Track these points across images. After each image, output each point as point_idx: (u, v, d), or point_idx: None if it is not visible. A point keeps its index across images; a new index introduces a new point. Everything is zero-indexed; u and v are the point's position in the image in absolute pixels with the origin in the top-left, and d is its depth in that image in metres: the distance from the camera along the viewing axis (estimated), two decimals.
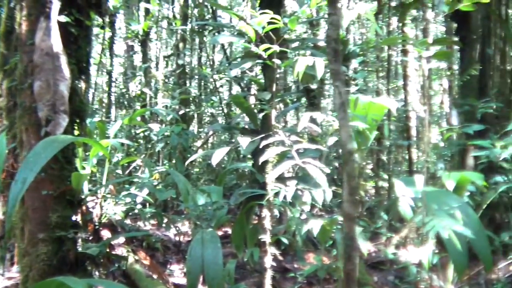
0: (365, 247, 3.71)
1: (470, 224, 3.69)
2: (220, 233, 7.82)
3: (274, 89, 4.94)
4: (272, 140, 3.61)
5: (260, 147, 3.94)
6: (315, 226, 3.47)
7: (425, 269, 4.74)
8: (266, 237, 4.11)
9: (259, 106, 5.27)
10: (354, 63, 9.08)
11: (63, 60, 3.55)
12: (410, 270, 4.94)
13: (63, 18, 3.62)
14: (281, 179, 4.25)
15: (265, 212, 4.13)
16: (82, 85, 3.88)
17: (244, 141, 3.98)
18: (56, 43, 3.53)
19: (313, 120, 4.60)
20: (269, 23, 4.05)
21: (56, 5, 3.60)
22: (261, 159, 3.57)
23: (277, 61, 4.20)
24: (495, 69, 8.65)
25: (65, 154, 3.66)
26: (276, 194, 3.71)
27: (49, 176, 3.57)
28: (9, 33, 5.65)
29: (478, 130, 5.90)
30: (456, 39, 8.63)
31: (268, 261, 4.13)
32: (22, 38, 3.63)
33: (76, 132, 3.77)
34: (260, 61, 4.34)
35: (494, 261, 6.04)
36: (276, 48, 3.92)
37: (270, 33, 4.08)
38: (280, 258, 6.53)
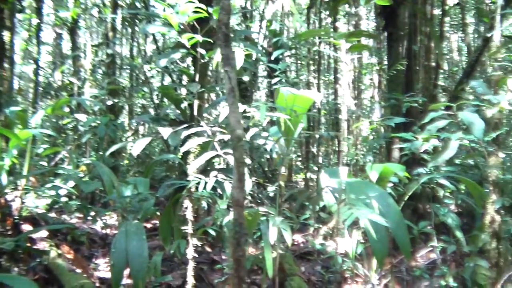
0: (289, 237, 3.72)
1: (390, 213, 3.78)
2: (149, 225, 7.71)
3: (201, 80, 4.90)
4: (193, 131, 3.57)
5: (182, 137, 3.90)
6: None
7: (350, 258, 4.84)
8: (188, 228, 4.07)
9: (188, 97, 5.22)
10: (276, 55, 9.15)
11: None
12: (336, 260, 5.02)
13: None
14: (209, 170, 4.22)
15: (187, 203, 4.09)
16: None
17: (165, 132, 3.93)
18: None
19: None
20: (195, 12, 4.00)
21: None
22: (182, 149, 3.52)
23: (201, 51, 4.15)
24: (421, 65, 8.94)
25: None
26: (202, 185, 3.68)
27: None
28: None
29: (404, 124, 6.06)
30: (385, 34, 8.85)
31: (191, 253, 4.09)
32: None
33: None
34: (184, 50, 4.28)
35: (416, 249, 6.25)
36: (199, 38, 3.88)
37: (195, 23, 4.03)
38: (209, 249, 6.50)
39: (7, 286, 3.66)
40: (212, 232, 5.28)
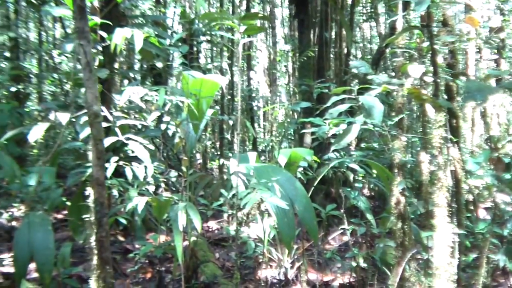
0: (198, 223, 3.69)
1: (298, 197, 3.82)
2: (60, 216, 7.47)
3: (107, 65, 4.75)
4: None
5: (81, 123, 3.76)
6: (139, 203, 3.40)
7: (263, 243, 4.87)
8: (92, 217, 3.93)
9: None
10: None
11: None
12: (249, 245, 5.05)
13: None
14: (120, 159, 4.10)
15: (89, 191, 3.95)
16: None
17: (63, 117, 3.77)
18: None
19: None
20: None
21: None
22: (81, 136, 3.39)
23: (102, 33, 4.01)
24: (332, 53, 9.13)
25: None
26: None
27: None
28: None
29: (316, 109, 6.16)
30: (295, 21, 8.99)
31: (94, 242, 3.96)
32: None
33: None
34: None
35: (329, 232, 6.39)
36: (97, 19, 3.74)
37: (96, 5, 3.88)
38: (121, 238, 6.38)
39: None
40: (123, 221, 5.17)
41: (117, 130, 3.22)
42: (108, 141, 3.23)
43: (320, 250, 5.69)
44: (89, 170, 4.45)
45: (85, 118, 3.55)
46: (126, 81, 9.64)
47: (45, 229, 4.21)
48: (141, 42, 3.29)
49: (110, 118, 3.35)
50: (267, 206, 2.96)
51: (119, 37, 3.24)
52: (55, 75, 11.44)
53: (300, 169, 5.06)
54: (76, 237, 5.45)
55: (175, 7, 13.53)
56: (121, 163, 3.37)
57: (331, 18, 9.02)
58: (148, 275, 5.38)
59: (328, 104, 3.45)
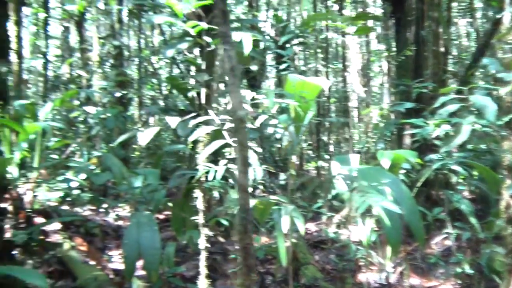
0: (301, 226, 3.69)
1: (403, 200, 3.74)
2: (161, 216, 7.72)
3: (209, 70, 4.86)
4: (201, 120, 3.53)
5: (191, 127, 3.87)
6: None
7: (364, 246, 4.80)
8: (200, 219, 4.05)
9: (196, 87, 5.19)
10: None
11: None
12: (350, 248, 4.99)
13: None
14: (217, 160, 4.19)
15: (197, 193, 4.06)
16: (4, 65, 3.68)
17: (173, 121, 3.90)
18: None
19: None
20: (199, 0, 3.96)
21: None
22: (190, 139, 3.49)
23: (207, 39, 4.10)
24: (429, 51, 8.84)
25: None
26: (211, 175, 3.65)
27: None
28: None
29: (414, 110, 5.99)
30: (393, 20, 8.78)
31: (203, 243, 4.07)
32: None
33: None
34: (191, 39, 4.23)
35: (430, 236, 6.20)
36: (204, 25, 3.83)
37: (200, 11, 3.99)
38: (222, 240, 6.49)
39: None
40: (225, 222, 5.26)
41: (224, 133, 3.29)
42: (216, 144, 3.31)
43: (423, 254, 5.54)
44: (192, 173, 4.60)
45: (193, 122, 3.65)
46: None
47: (152, 229, 4.35)
48: (250, 45, 3.35)
49: (218, 121, 3.42)
50: (375, 209, 2.92)
51: (248, 42, 3.31)
52: (154, 80, 11.87)
53: (402, 171, 4.95)
54: (179, 237, 5.60)
55: (267, 10, 13.67)
56: (230, 166, 3.43)
57: (428, 16, 8.75)
58: None
59: (437, 105, 3.34)
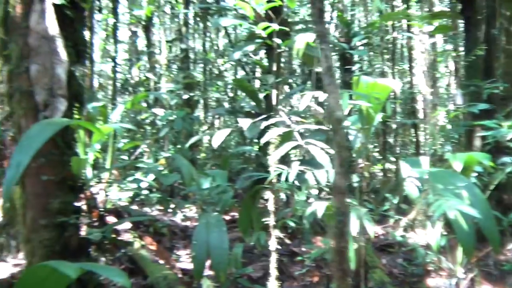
0: (371, 229, 3.64)
1: (477, 204, 3.61)
2: (227, 217, 7.79)
3: (277, 71, 4.87)
4: (273, 121, 3.53)
5: (262, 129, 3.88)
6: (319, 208, 3.40)
7: (433, 251, 4.68)
8: (270, 220, 4.05)
9: (263, 89, 5.21)
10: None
11: (60, 43, 3.49)
12: (418, 252, 4.88)
13: (58, 0, 3.54)
14: (286, 162, 4.19)
15: (269, 195, 4.07)
16: (80, 69, 3.80)
17: (245, 123, 3.92)
18: (52, 25, 3.46)
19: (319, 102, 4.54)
20: (268, 1, 3.96)
21: None
22: (262, 141, 3.50)
23: (277, 40, 4.10)
24: (501, 50, 8.53)
25: (65, 139, 3.60)
26: (280, 176, 3.65)
27: (49, 161, 3.52)
28: (7, 18, 5.58)
29: (485, 111, 5.80)
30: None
31: (273, 244, 4.07)
32: (17, 21, 3.56)
33: (75, 117, 3.72)
34: (260, 40, 4.24)
35: (502, 242, 5.97)
36: (275, 26, 3.83)
37: (270, 12, 3.99)
38: (288, 241, 6.49)
39: (96, 275, 3.78)
40: (292, 224, 5.25)
41: (296, 134, 3.28)
42: (289, 146, 3.30)
43: (496, 261, 5.34)
44: (259, 174, 4.62)
45: (264, 124, 3.66)
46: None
47: (221, 229, 4.38)
48: (301, 44, 3.33)
49: (289, 122, 3.41)
50: (451, 213, 2.83)
51: (301, 42, 3.31)
52: (219, 83, 12.02)
53: (474, 174, 4.79)
54: (246, 238, 5.63)
55: (331, 11, 13.57)
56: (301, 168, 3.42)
57: (499, 13, 8.46)
58: (316, 279, 5.40)
59: None
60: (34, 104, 3.47)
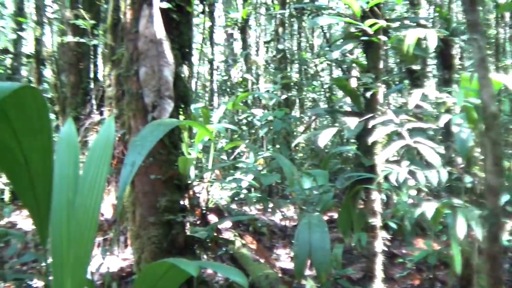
0: (479, 232, 3.46)
1: None
2: (325, 217, 7.73)
3: (377, 69, 4.76)
4: (381, 120, 3.44)
5: (367, 128, 3.79)
6: (428, 209, 3.28)
7: None
8: (377, 221, 3.96)
9: (361, 88, 5.11)
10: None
11: (167, 46, 3.59)
12: None
13: (165, 5, 3.65)
14: (388, 161, 4.09)
15: (375, 195, 3.98)
16: (186, 70, 3.90)
17: (352, 122, 3.85)
18: (159, 29, 3.57)
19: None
20: None
21: None
22: (370, 140, 3.42)
23: (383, 37, 4.00)
24: None
25: (172, 139, 3.71)
26: (385, 177, 3.56)
27: (157, 161, 3.63)
28: (115, 26, 5.83)
29: None
30: None
31: (379, 246, 3.98)
32: (127, 27, 3.70)
33: (181, 117, 3.81)
34: (365, 38, 4.15)
35: None
36: (383, 23, 3.73)
37: (376, 8, 3.90)
38: (387, 243, 6.35)
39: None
40: (393, 225, 5.13)
41: (404, 133, 3.18)
42: (397, 146, 3.21)
43: None
44: (359, 174, 4.53)
45: (372, 123, 3.59)
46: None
47: (322, 230, 4.33)
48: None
49: (397, 121, 3.32)
50: None
51: (412, 37, 3.20)
52: (315, 82, 11.97)
53: None
54: (346, 239, 5.56)
55: (428, 7, 13.14)
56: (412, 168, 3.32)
57: None
58: (417, 282, 5.25)
59: None
60: (143, 106, 3.59)
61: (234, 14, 11.93)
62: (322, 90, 10.88)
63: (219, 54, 15.45)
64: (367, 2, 3.90)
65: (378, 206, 3.99)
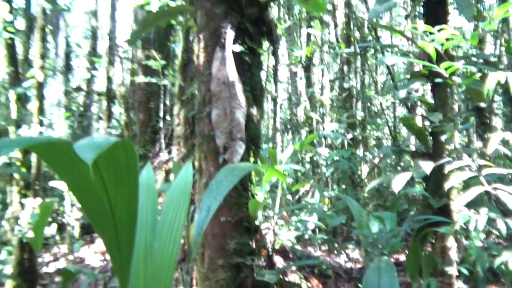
0: None
1: None
2: (391, 260, 7.52)
3: (446, 108, 4.65)
4: (457, 165, 3.33)
5: (436, 169, 3.67)
6: (509, 258, 3.13)
7: None
8: (453, 270, 3.80)
9: (428, 127, 5.01)
10: None
11: (239, 88, 3.62)
12: None
13: (237, 47, 3.70)
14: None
15: (451, 243, 3.83)
16: (257, 112, 3.91)
17: (427, 166, 3.74)
18: (232, 72, 3.61)
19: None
20: (446, 39, 3.82)
21: (230, 36, 3.70)
22: (447, 185, 3.31)
23: (457, 79, 3.91)
24: None
25: (242, 181, 3.71)
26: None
27: (227, 203, 3.63)
28: (185, 66, 5.98)
29: None
30: None
31: None
32: (200, 69, 3.77)
33: (251, 159, 3.81)
34: (439, 80, 4.06)
35: None
36: (459, 65, 3.65)
37: (450, 50, 3.83)
38: None
39: None
40: (465, 271, 4.92)
41: (482, 179, 3.06)
42: (476, 191, 3.09)
43: None
44: (429, 217, 4.39)
45: (449, 167, 3.48)
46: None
47: (391, 275, 4.18)
48: (493, 83, 3.11)
49: (474, 166, 3.21)
50: None
51: (493, 81, 3.11)
52: (378, 120, 11.82)
53: None
54: (414, 284, 5.38)
55: (494, 42, 12.85)
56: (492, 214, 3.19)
57: None
58: None
59: None
60: (214, 148, 3.62)
61: (298, 52, 11.99)
62: (388, 128, 10.72)
63: (283, 91, 15.54)
64: (442, 44, 3.83)
65: (454, 254, 3.83)
